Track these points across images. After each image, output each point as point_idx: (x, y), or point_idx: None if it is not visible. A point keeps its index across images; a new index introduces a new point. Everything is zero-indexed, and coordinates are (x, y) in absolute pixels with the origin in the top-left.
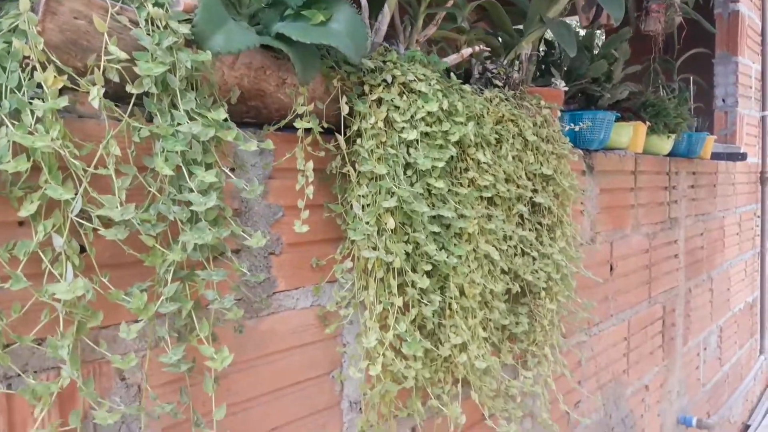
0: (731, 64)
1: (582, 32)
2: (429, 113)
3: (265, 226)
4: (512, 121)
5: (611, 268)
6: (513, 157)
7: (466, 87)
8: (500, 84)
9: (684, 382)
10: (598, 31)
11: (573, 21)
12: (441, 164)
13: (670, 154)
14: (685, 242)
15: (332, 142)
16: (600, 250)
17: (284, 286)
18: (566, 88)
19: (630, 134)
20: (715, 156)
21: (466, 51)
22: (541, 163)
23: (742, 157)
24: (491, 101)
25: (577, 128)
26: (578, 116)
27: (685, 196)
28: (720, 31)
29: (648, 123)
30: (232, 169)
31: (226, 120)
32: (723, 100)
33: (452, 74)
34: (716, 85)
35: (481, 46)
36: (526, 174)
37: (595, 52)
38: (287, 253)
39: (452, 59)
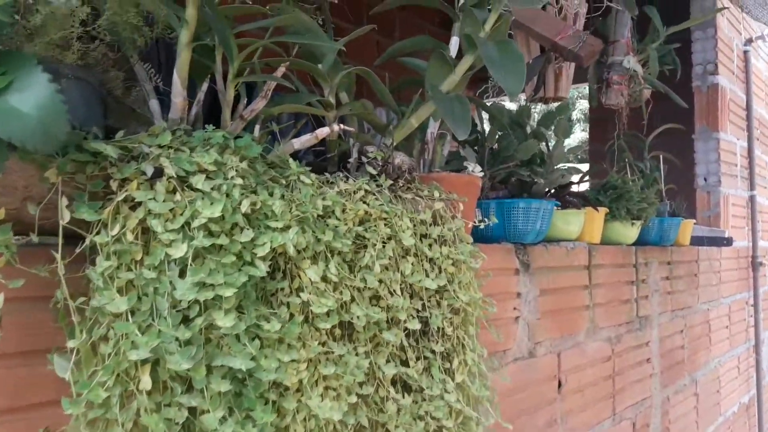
0: (712, 140)
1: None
2: (214, 219)
3: None
4: (384, 219)
5: (559, 384)
6: (383, 268)
7: (307, 179)
8: (374, 171)
9: None
10: (543, 106)
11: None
12: (230, 291)
13: (638, 243)
14: (660, 343)
15: (52, 264)
16: (543, 363)
17: None
18: (481, 173)
19: (581, 222)
20: (697, 241)
21: (322, 131)
22: (426, 273)
23: (728, 242)
24: (352, 195)
25: (480, 224)
26: (508, 205)
27: (658, 290)
28: (699, 105)
29: (608, 209)
30: None
31: None
32: (705, 179)
33: (291, 161)
34: (697, 163)
35: (341, 126)
36: (405, 289)
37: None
38: None
39: (302, 141)
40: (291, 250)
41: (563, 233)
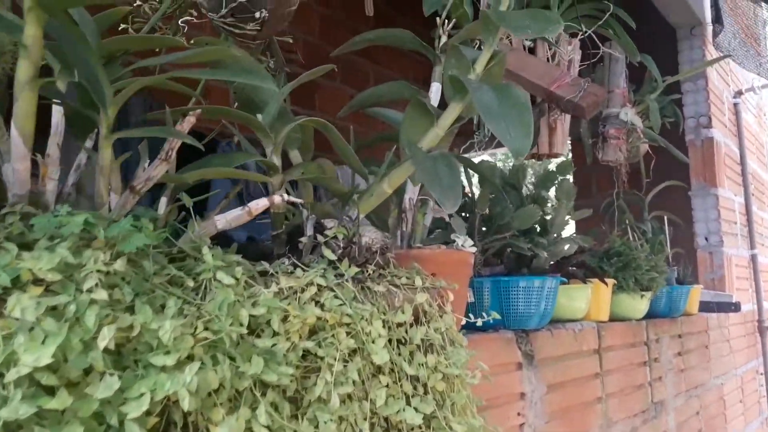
0: (710, 196)
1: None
2: (45, 368)
3: None
4: (345, 326)
5: None
6: (344, 399)
7: (228, 277)
8: (333, 256)
9: None
10: (538, 163)
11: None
12: None
13: (647, 315)
14: (677, 431)
15: None
16: None
17: None
18: (473, 248)
19: (587, 298)
20: (704, 307)
21: (257, 204)
22: (407, 398)
23: (736, 307)
24: (298, 294)
25: (479, 319)
26: (506, 284)
27: (672, 369)
28: (694, 160)
29: (614, 279)
30: None
31: None
32: (706, 239)
33: (207, 250)
34: (696, 221)
35: (285, 196)
36: (378, 424)
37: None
38: None
39: (228, 219)
40: (186, 403)
41: (568, 312)
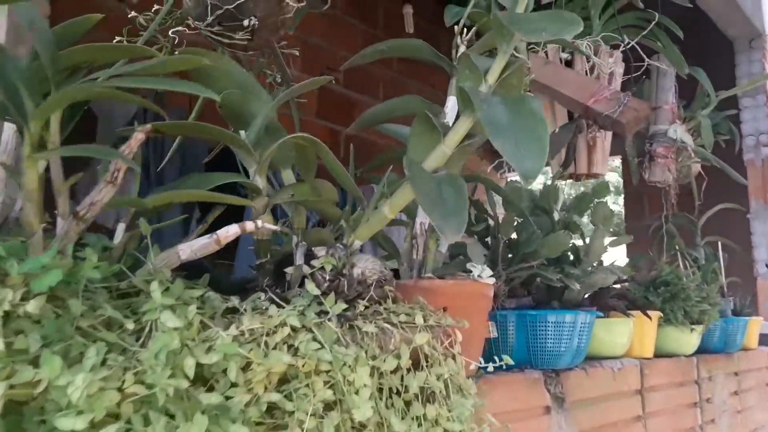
0: None
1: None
2: None
3: None
4: (323, 374)
5: None
6: None
7: (173, 318)
8: (317, 291)
9: None
10: (570, 182)
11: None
12: None
13: (698, 351)
14: None
15: None
16: None
17: None
18: (492, 279)
19: (629, 332)
20: (764, 340)
21: (227, 232)
22: None
23: None
24: (266, 336)
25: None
26: (533, 318)
27: (726, 410)
28: (753, 180)
29: (660, 312)
30: None
31: None
32: (767, 266)
33: (155, 286)
34: (755, 246)
35: (261, 223)
36: None
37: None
38: None
39: (194, 248)
40: None
41: (607, 348)
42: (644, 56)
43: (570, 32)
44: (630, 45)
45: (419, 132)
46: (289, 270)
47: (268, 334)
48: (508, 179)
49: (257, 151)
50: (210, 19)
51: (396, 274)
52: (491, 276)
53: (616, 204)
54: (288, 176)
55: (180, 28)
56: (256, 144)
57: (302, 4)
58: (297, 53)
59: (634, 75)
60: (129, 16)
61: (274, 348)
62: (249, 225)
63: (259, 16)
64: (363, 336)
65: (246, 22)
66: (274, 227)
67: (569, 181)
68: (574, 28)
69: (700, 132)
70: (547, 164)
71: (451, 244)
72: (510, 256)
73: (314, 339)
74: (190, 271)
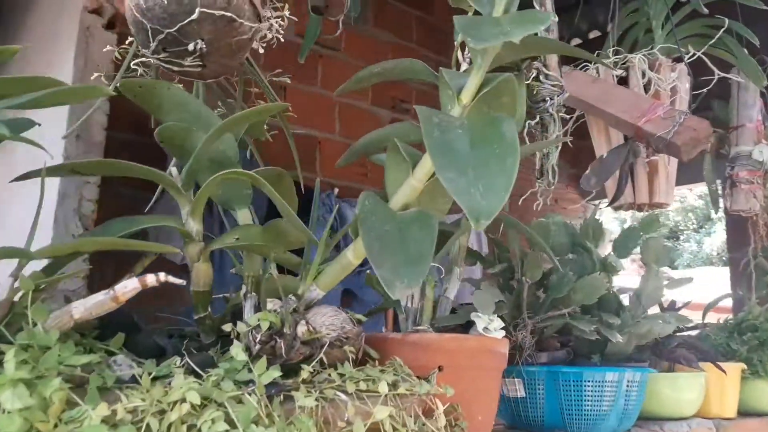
0: None
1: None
2: None
3: None
4: None
5: None
6: None
7: (17, 398)
8: (243, 356)
9: None
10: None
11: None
12: None
13: None
14: None
15: None
16: None
17: None
18: (500, 333)
19: (699, 389)
20: None
21: (125, 286)
22: None
23: None
24: (148, 415)
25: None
26: (566, 376)
27: None
28: None
29: (744, 363)
30: None
31: None
32: None
33: (11, 357)
34: None
35: (164, 277)
36: None
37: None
38: None
39: (88, 306)
40: None
41: (671, 407)
42: (714, 68)
43: (534, 29)
44: (695, 57)
45: (392, 164)
46: (226, 327)
47: (162, 413)
48: (598, 206)
49: (186, 188)
50: (153, 45)
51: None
52: (502, 330)
53: (713, 232)
54: (244, 216)
55: (143, 58)
56: (189, 183)
57: (260, 24)
58: (288, 80)
59: (706, 89)
60: (104, 50)
61: (168, 431)
62: (150, 279)
63: (206, 39)
64: (301, 411)
65: (191, 47)
66: (179, 281)
67: (629, 212)
68: (537, 26)
69: None
70: (598, 195)
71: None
72: (538, 303)
73: (226, 418)
74: (122, 326)
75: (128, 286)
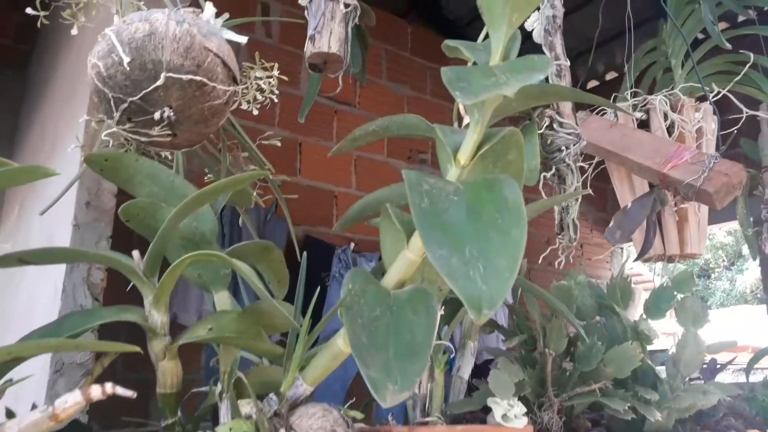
0: None
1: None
2: None
3: None
4: None
5: None
6: None
7: None
8: None
9: None
10: (653, 268)
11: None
12: None
13: None
14: None
15: None
16: None
17: None
18: (523, 421)
19: None
20: None
21: (65, 402)
22: None
23: None
24: None
25: None
26: None
27: None
28: None
29: None
30: None
31: None
32: None
33: None
34: None
35: (109, 387)
36: None
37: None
38: None
39: (21, 428)
40: None
41: None
42: (741, 106)
43: (528, 81)
44: (720, 95)
45: (386, 232)
46: None
47: None
48: (625, 262)
49: (154, 275)
50: (117, 115)
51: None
52: (524, 416)
53: (745, 269)
54: (221, 300)
55: (114, 129)
56: (152, 268)
57: (236, 87)
58: (279, 144)
59: (735, 129)
60: (80, 120)
61: None
62: (95, 392)
63: (175, 106)
64: None
65: (158, 115)
66: (128, 393)
67: (659, 263)
68: (535, 76)
69: None
70: (624, 244)
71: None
72: (564, 378)
73: None
74: None
75: (69, 401)
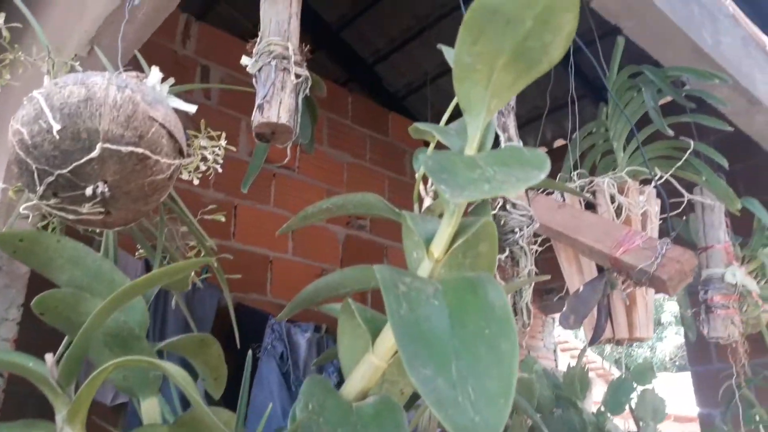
0: None
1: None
2: None
3: None
4: None
5: None
6: None
7: None
8: None
9: None
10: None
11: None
12: None
13: None
14: None
15: None
16: None
17: None
18: None
19: None
20: None
21: None
22: None
23: None
24: None
25: None
26: None
27: None
28: None
29: None
30: None
31: None
32: None
33: None
34: None
35: None
36: None
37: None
38: None
39: None
40: None
41: None
42: (682, 190)
43: (527, 184)
44: (663, 179)
45: (345, 329)
46: None
47: None
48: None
49: (71, 384)
50: (41, 189)
51: None
52: None
53: (678, 335)
54: (149, 410)
55: (34, 202)
56: (68, 376)
57: (183, 160)
58: (223, 219)
59: (674, 213)
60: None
61: None
62: None
63: (110, 181)
64: None
65: (89, 191)
66: None
67: (609, 345)
68: (537, 173)
69: (765, 273)
70: (579, 325)
71: None
72: None
73: None
74: None
75: None
